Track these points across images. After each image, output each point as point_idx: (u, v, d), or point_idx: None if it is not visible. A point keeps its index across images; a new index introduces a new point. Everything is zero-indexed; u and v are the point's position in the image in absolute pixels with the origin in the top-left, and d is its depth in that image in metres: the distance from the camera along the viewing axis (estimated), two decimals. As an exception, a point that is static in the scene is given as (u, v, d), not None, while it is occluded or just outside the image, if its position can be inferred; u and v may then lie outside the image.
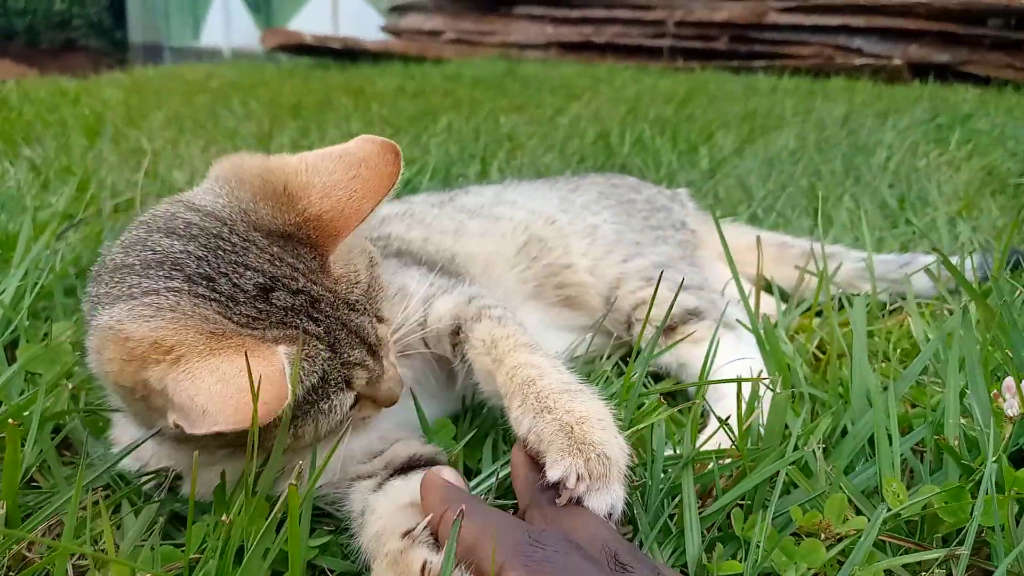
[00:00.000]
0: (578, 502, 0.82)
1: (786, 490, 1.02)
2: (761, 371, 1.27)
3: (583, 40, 9.08)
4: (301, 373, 0.84)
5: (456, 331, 1.11)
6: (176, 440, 0.94)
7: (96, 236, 1.83)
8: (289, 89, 5.81)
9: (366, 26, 10.86)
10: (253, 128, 3.82)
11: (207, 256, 0.86)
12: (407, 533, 0.88)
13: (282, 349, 0.81)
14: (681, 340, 1.35)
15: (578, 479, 0.81)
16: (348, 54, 9.11)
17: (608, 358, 1.46)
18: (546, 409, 0.89)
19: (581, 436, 0.85)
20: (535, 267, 1.51)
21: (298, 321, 0.86)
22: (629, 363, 1.18)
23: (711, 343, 1.22)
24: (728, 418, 1.08)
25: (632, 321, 1.45)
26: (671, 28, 8.50)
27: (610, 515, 0.82)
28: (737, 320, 1.40)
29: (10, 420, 0.87)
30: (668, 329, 1.39)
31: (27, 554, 0.90)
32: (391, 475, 1.02)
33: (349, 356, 0.90)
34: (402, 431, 1.11)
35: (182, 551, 0.90)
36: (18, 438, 0.88)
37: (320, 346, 0.87)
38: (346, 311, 0.90)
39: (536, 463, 0.87)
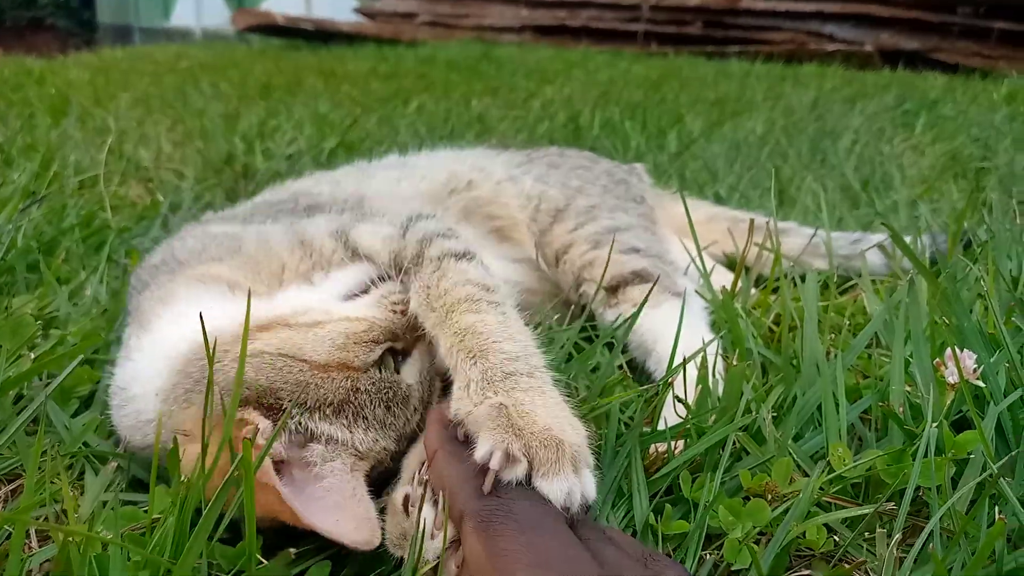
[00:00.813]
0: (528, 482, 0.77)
1: (738, 457, 1.05)
2: (711, 339, 1.31)
3: (558, 23, 9.09)
4: None
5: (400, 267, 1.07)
6: None
7: (59, 211, 1.82)
8: (260, 70, 5.76)
9: (340, 7, 10.76)
10: (221, 108, 3.80)
11: None
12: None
13: None
14: (638, 305, 1.35)
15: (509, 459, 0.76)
16: (321, 35, 9.06)
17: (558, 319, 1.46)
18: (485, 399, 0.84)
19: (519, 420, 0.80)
20: (457, 197, 1.50)
21: None
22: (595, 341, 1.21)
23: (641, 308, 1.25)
24: (673, 381, 1.11)
25: (581, 281, 1.46)
26: (646, 12, 8.53)
27: (567, 508, 0.76)
28: (696, 291, 1.43)
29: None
30: (612, 289, 1.40)
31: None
32: None
33: None
34: None
35: (143, 511, 0.91)
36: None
37: None
38: None
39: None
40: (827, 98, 4.83)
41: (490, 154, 1.71)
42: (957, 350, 1.07)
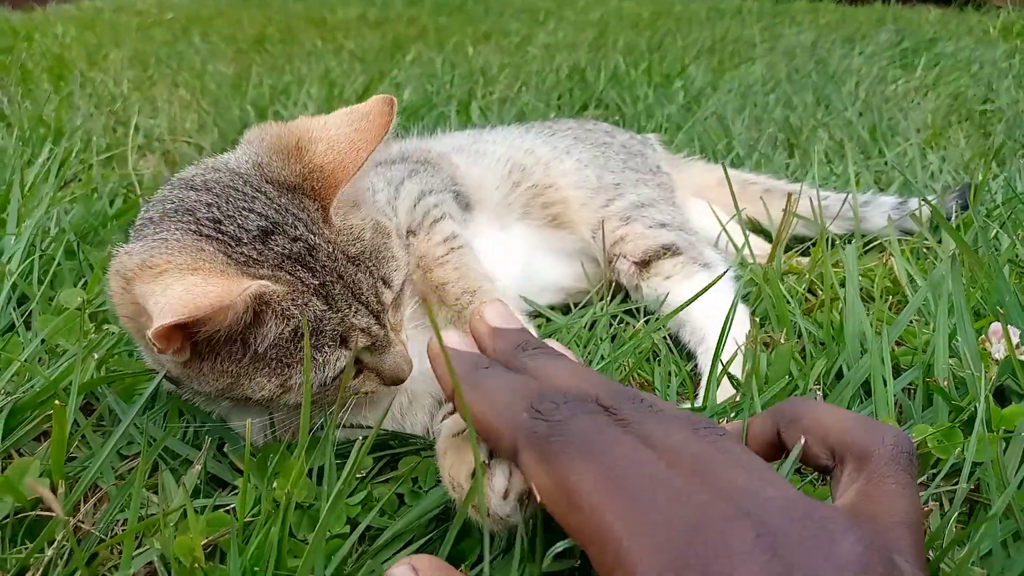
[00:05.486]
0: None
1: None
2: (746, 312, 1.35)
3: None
4: (282, 313, 0.84)
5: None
6: (178, 384, 0.99)
7: (89, 196, 1.80)
8: (248, 20, 5.65)
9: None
10: (221, 67, 3.74)
11: (218, 203, 0.88)
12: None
13: (261, 283, 0.80)
14: (670, 277, 1.44)
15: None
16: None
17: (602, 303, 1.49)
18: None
19: None
20: (518, 191, 1.53)
21: (294, 269, 0.86)
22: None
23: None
24: (729, 358, 1.14)
25: (612, 256, 1.49)
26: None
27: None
28: (732, 261, 1.46)
29: (56, 401, 0.89)
30: (643, 264, 1.45)
31: (81, 525, 0.93)
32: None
33: (347, 314, 0.89)
34: None
35: (226, 512, 0.94)
36: (65, 418, 0.91)
37: (312, 297, 0.86)
38: (345, 263, 0.90)
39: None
40: (825, 38, 4.80)
41: (524, 135, 1.72)
42: (1006, 326, 1.11)
